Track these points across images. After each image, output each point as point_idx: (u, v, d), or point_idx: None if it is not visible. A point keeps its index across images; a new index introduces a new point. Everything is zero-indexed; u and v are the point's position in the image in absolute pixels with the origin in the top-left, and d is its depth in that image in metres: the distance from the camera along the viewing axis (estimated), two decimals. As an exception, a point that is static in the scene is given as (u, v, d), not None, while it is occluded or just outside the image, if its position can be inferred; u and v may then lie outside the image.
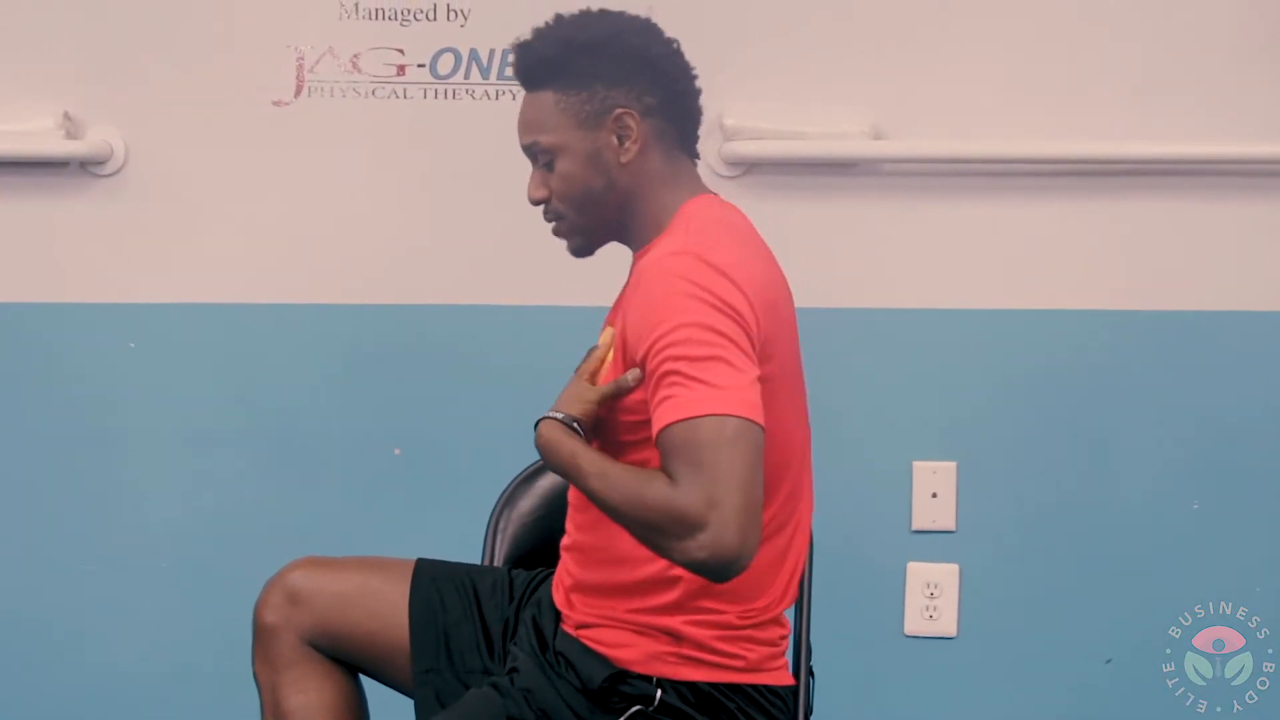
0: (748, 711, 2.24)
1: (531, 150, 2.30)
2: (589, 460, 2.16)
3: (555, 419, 2.21)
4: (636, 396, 2.18)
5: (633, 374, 2.17)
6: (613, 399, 2.21)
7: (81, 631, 3.28)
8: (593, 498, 2.16)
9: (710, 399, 2.05)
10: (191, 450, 3.27)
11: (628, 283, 2.31)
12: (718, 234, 2.21)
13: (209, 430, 3.27)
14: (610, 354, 2.25)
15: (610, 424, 2.23)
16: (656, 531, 2.06)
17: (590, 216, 2.28)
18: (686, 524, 2.02)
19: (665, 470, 2.06)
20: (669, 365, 2.08)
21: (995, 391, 3.27)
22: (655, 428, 2.08)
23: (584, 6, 2.35)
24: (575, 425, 2.21)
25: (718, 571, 2.04)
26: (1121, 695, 3.28)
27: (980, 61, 3.23)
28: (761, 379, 2.12)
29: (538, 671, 2.28)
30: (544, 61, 2.27)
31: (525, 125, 2.29)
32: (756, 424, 2.06)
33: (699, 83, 2.33)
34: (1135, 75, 3.23)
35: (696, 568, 2.04)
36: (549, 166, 2.28)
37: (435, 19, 3.23)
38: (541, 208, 2.32)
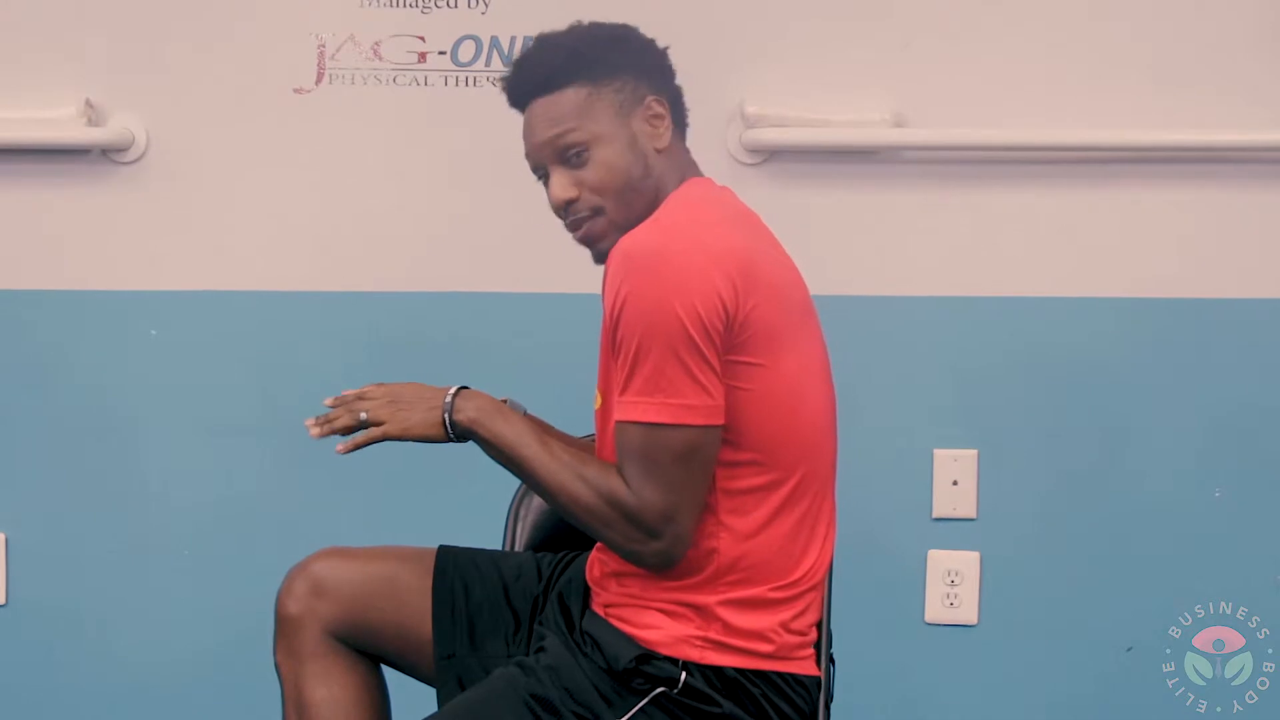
0: (772, 699, 2.24)
1: (561, 145, 2.28)
2: (522, 429, 2.27)
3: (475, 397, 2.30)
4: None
5: None
6: None
7: (102, 620, 3.29)
8: (522, 465, 2.25)
9: (672, 409, 2.17)
10: (212, 437, 3.28)
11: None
12: (696, 208, 2.25)
13: (230, 418, 3.28)
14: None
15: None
16: (603, 523, 2.22)
17: (629, 206, 2.28)
18: (642, 528, 2.20)
19: (621, 466, 2.20)
20: (635, 353, 2.16)
21: (1017, 379, 3.27)
22: (617, 414, 2.19)
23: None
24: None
25: (654, 570, 2.25)
26: (1138, 684, 3.28)
27: (1002, 49, 3.22)
28: (750, 359, 2.19)
29: (564, 650, 2.29)
30: (574, 56, 2.28)
31: (553, 120, 2.28)
32: (715, 427, 2.19)
33: (704, 75, 2.41)
34: (1157, 63, 3.22)
35: (634, 561, 2.24)
36: (579, 162, 2.28)
37: (456, 6, 3.23)
38: (564, 212, 2.32)
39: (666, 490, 2.18)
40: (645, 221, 2.24)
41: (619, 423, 2.19)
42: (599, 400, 2.31)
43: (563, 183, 2.29)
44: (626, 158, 2.28)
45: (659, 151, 2.30)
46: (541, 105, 2.30)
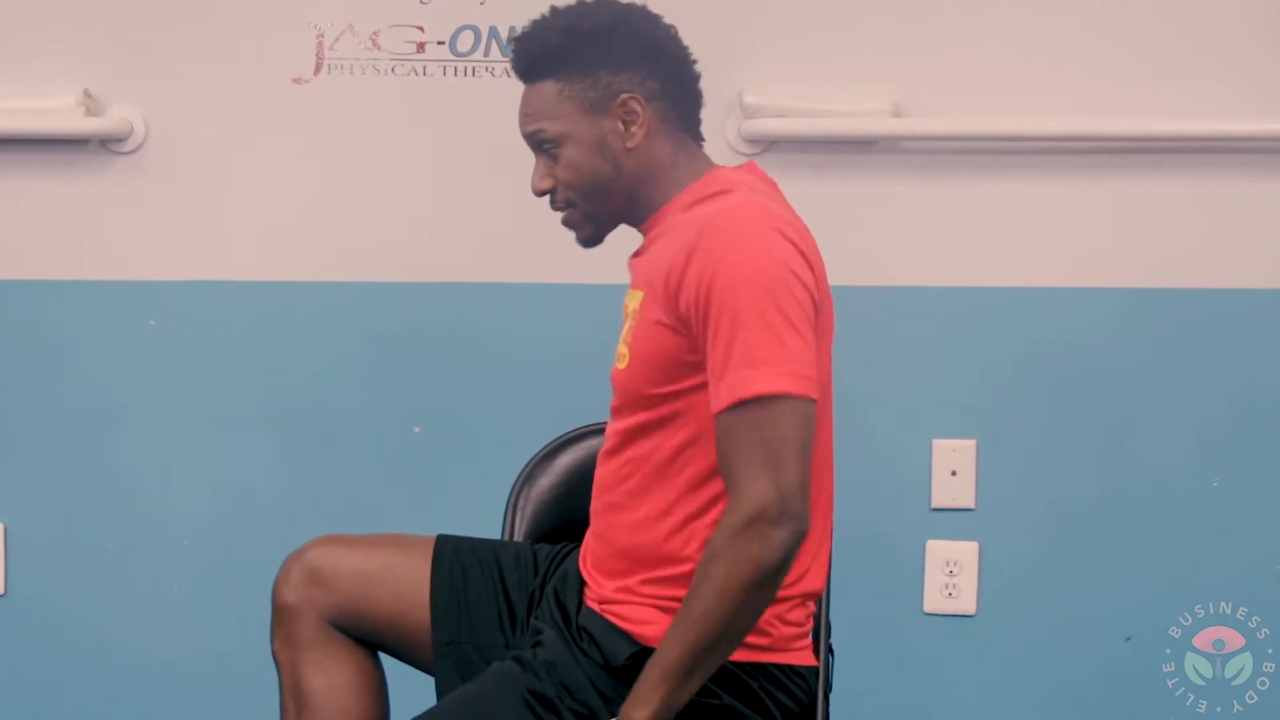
0: (770, 690, 2.24)
1: (535, 139, 2.31)
2: (669, 648, 2.13)
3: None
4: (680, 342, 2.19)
5: None
6: None
7: (102, 611, 3.29)
8: (708, 640, 2.12)
9: (771, 373, 2.10)
10: (212, 428, 3.28)
11: (645, 246, 2.31)
12: (764, 199, 2.24)
13: (229, 408, 3.28)
14: None
15: (671, 361, 2.22)
16: (743, 565, 2.09)
17: (599, 204, 2.30)
18: (767, 520, 2.08)
19: (731, 468, 2.10)
20: (735, 317, 2.11)
21: (1016, 369, 3.27)
22: (724, 400, 2.11)
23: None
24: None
25: (798, 544, 2.11)
26: (1136, 677, 3.28)
27: (1002, 38, 3.22)
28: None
29: (561, 646, 2.28)
30: (547, 51, 2.28)
31: (528, 116, 2.30)
32: (811, 398, 2.12)
33: (703, 64, 2.34)
34: (1157, 52, 3.22)
35: (788, 559, 2.10)
36: (553, 156, 2.30)
37: (455, -4, 3.24)
38: (547, 198, 2.33)
39: (781, 470, 2.09)
40: (723, 200, 2.22)
41: (722, 414, 2.12)
42: (626, 359, 2.26)
43: (540, 173, 2.32)
44: (592, 158, 2.28)
45: (630, 150, 2.28)
46: (525, 94, 2.32)
